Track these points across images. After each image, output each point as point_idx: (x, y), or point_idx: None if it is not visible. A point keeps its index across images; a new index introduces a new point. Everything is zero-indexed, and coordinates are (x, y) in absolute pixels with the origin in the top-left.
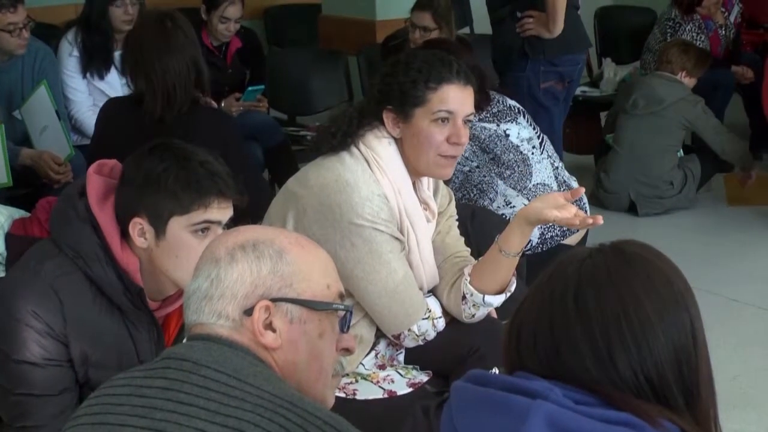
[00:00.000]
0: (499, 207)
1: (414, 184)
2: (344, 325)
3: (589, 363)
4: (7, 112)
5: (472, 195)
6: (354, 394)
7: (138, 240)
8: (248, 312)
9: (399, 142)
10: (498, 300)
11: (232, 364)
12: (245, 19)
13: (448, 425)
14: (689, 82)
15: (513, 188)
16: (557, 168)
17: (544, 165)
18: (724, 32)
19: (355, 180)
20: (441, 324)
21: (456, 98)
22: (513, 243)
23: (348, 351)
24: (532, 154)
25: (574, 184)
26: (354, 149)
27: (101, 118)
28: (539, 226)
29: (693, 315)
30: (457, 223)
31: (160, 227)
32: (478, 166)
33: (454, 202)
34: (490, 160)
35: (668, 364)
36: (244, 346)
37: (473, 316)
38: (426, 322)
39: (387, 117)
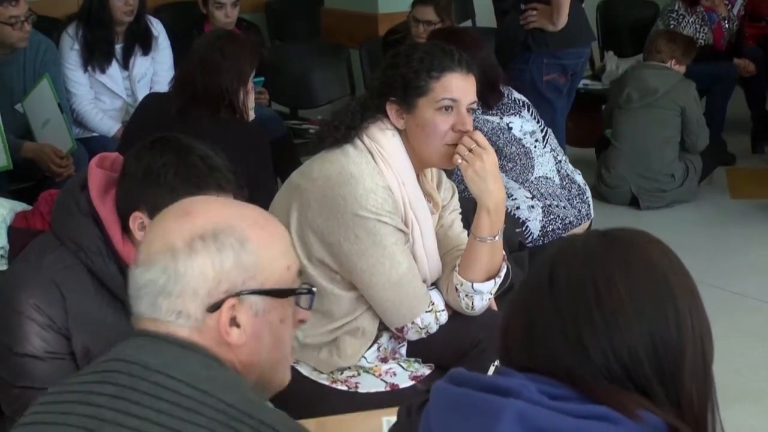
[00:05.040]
0: None
1: (418, 176)
2: (307, 303)
3: (560, 344)
4: (9, 105)
5: None
6: (356, 387)
7: (138, 234)
8: (211, 309)
9: (403, 133)
10: (487, 287)
11: (186, 368)
12: (247, 12)
13: (425, 428)
14: (679, 69)
15: (515, 181)
16: (560, 161)
17: (547, 158)
18: (727, 24)
19: (359, 172)
20: (444, 317)
21: (459, 86)
22: (482, 228)
23: (303, 322)
24: (535, 147)
25: (578, 177)
26: (358, 142)
27: (138, 108)
28: (540, 219)
29: (680, 303)
30: (460, 216)
31: None
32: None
33: (457, 196)
34: None
35: (643, 350)
36: (203, 346)
37: (471, 307)
38: (429, 315)
39: (390, 109)
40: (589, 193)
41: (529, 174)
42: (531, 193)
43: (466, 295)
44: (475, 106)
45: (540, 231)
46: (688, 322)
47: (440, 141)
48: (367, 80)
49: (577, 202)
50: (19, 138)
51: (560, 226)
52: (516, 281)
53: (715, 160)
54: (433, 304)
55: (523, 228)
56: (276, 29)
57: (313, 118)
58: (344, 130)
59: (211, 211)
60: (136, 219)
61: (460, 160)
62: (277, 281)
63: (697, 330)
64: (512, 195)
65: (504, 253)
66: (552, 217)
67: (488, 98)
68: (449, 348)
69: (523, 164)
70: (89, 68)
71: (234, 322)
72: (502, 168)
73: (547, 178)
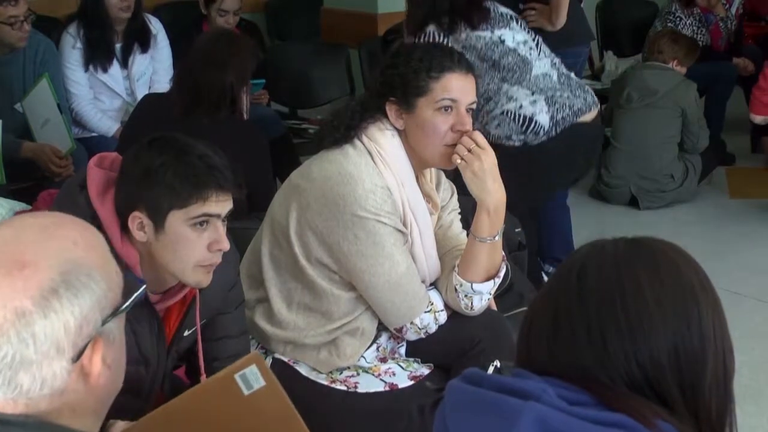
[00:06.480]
0: (501, 104)
1: (417, 176)
2: (141, 296)
3: (583, 345)
4: (9, 105)
5: (478, 105)
6: (355, 387)
7: (137, 234)
8: (76, 358)
9: (402, 134)
10: (486, 287)
11: None
12: (246, 11)
13: (440, 425)
14: (680, 71)
15: (512, 85)
16: (555, 63)
17: (544, 62)
18: (725, 24)
19: (358, 172)
20: (443, 317)
21: (458, 86)
22: (482, 228)
23: None
24: (530, 54)
25: (573, 75)
26: (357, 142)
27: (135, 109)
28: (547, 110)
29: (705, 315)
30: (459, 216)
31: (159, 221)
32: (479, 76)
33: (456, 196)
34: (491, 68)
35: (666, 356)
36: (39, 414)
37: (471, 307)
38: (428, 315)
39: (390, 109)
40: (588, 87)
41: (527, 75)
42: (530, 89)
43: (466, 296)
44: (474, 106)
45: (550, 122)
46: (711, 334)
47: (440, 141)
48: (366, 80)
49: (580, 93)
50: (19, 138)
51: (569, 114)
52: (515, 281)
53: (714, 160)
54: (432, 304)
55: (533, 124)
56: (276, 29)
57: (313, 118)
58: (343, 131)
59: (45, 251)
60: (135, 219)
61: (459, 161)
62: (119, 293)
63: (719, 343)
64: (513, 97)
65: (503, 253)
66: (558, 105)
67: (473, 16)
68: (448, 348)
69: (522, 69)
70: (91, 67)
71: (99, 360)
72: (503, 80)
73: (545, 74)
